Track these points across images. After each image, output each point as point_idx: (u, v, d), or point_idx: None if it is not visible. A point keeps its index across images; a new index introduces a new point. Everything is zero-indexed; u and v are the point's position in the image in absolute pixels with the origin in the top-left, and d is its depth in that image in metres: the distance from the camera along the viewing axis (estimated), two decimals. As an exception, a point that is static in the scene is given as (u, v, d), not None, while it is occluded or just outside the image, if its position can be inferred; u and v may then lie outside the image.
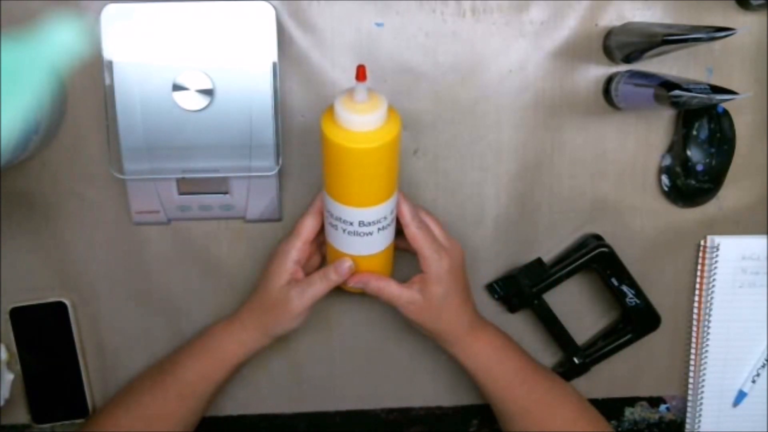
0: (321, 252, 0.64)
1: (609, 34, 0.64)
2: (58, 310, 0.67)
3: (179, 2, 0.59)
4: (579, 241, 0.69)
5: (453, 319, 0.62)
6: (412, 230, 0.58)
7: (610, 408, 0.74)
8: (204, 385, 0.63)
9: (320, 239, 0.62)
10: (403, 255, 0.63)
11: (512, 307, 0.69)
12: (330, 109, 0.51)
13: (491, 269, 0.69)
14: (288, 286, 0.60)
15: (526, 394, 0.63)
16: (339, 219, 0.56)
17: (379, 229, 0.57)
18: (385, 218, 0.56)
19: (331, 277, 0.59)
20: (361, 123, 0.50)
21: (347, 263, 0.59)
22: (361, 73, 0.49)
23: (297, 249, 0.60)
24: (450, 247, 0.60)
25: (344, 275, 0.59)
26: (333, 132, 0.51)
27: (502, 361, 0.64)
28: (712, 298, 0.70)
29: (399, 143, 0.53)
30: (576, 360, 0.69)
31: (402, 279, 0.61)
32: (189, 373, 0.62)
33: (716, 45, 0.65)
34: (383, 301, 0.61)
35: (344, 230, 0.57)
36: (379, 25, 0.63)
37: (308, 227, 0.60)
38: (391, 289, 0.60)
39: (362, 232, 0.56)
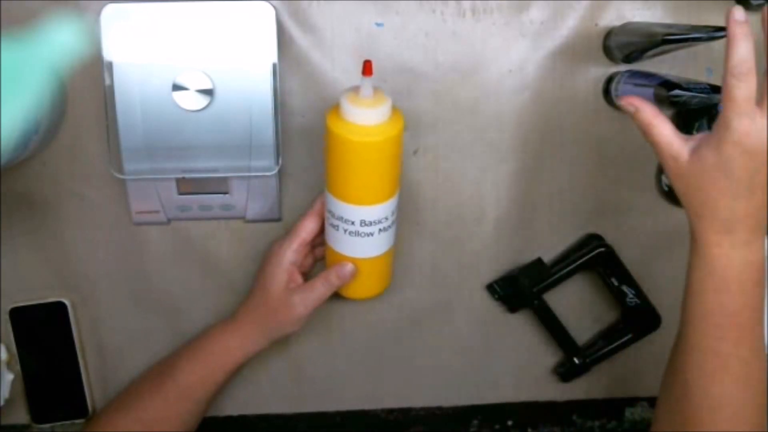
0: (314, 254, 0.64)
1: (609, 34, 0.64)
2: (58, 310, 0.67)
3: (179, 2, 0.59)
4: (579, 241, 0.69)
5: (709, 202, 0.48)
6: (730, 81, 0.45)
7: (610, 408, 0.74)
8: (203, 389, 0.63)
9: (315, 241, 0.62)
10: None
11: (512, 307, 0.69)
12: (336, 107, 0.53)
13: (491, 269, 0.69)
14: (289, 291, 0.60)
15: (749, 349, 0.50)
16: (341, 218, 0.56)
17: (380, 230, 0.57)
18: (387, 218, 0.57)
19: (333, 281, 0.59)
20: (367, 117, 0.51)
21: (349, 266, 0.59)
22: (367, 68, 0.51)
23: (293, 251, 0.60)
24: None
25: (346, 279, 0.59)
26: (338, 126, 0.52)
27: (747, 291, 0.49)
28: (712, 298, 0.70)
29: (401, 141, 0.54)
30: (576, 360, 0.69)
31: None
32: (188, 377, 0.62)
33: (716, 45, 0.65)
34: (648, 141, 0.51)
35: (345, 230, 0.57)
36: (379, 25, 0.63)
37: (307, 228, 0.60)
38: (665, 130, 0.50)
39: (363, 233, 0.56)
